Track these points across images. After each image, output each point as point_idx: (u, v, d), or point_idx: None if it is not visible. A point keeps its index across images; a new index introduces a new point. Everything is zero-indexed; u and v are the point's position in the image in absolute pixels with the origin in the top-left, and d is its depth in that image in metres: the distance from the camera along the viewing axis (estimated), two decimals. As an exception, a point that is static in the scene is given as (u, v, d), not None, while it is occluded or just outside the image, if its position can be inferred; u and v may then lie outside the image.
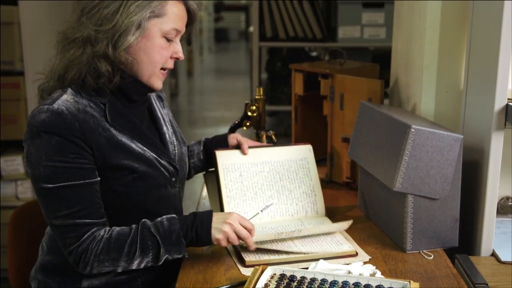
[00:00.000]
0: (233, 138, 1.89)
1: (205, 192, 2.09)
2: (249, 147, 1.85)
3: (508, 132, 1.65)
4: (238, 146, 1.86)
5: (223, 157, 1.82)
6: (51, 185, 1.46)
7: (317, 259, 1.54)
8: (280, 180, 1.83)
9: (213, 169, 1.85)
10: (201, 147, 1.92)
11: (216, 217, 1.53)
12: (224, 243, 1.52)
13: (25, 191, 3.17)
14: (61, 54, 1.54)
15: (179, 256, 1.52)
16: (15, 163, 3.14)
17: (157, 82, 1.60)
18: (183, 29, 1.59)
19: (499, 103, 1.54)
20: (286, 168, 1.85)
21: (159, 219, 1.52)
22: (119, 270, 1.51)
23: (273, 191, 1.81)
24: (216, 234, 1.51)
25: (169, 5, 1.54)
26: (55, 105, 1.48)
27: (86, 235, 1.48)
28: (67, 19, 1.58)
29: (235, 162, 1.82)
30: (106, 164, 1.52)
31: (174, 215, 1.54)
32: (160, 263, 1.51)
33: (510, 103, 1.53)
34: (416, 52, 1.91)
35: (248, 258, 1.56)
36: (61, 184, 1.46)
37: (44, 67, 1.60)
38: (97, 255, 1.47)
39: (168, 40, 1.56)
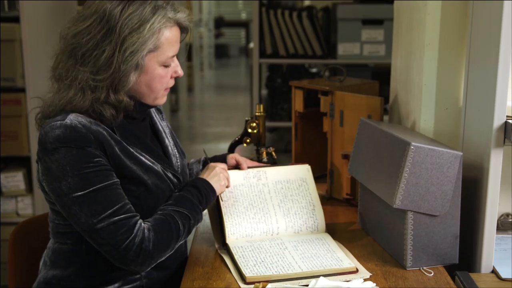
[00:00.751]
0: (231, 158, 1.89)
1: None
2: (248, 167, 1.86)
3: (508, 149, 1.66)
4: (236, 166, 1.88)
5: None
6: (85, 191, 1.46)
7: (318, 276, 1.54)
8: (280, 198, 1.83)
9: None
10: (200, 166, 1.93)
11: (207, 175, 1.70)
12: (226, 185, 1.75)
13: (26, 207, 3.17)
14: (60, 93, 1.53)
15: (199, 222, 1.64)
16: (16, 179, 3.14)
17: (161, 100, 1.64)
18: (177, 49, 1.59)
19: (498, 120, 1.55)
20: (285, 187, 1.85)
21: (170, 201, 1.60)
22: (168, 254, 1.55)
23: (273, 209, 1.81)
24: (219, 182, 1.71)
25: (163, 34, 1.52)
26: (68, 120, 1.48)
27: (136, 226, 1.48)
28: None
29: (235, 183, 1.83)
30: (121, 174, 1.53)
31: (177, 194, 1.63)
32: (189, 235, 1.62)
33: (509, 120, 1.54)
34: (416, 69, 1.92)
35: (249, 274, 1.56)
36: (96, 187, 1.47)
37: (43, 96, 1.59)
38: (155, 243, 1.49)
39: (166, 66, 1.57)
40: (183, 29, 1.61)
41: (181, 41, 1.62)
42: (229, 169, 1.85)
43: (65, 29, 1.54)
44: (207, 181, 1.68)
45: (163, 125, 1.77)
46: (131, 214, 1.49)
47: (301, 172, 1.89)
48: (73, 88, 1.51)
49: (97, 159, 1.48)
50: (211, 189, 1.68)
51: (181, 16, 1.56)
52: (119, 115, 1.54)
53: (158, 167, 1.61)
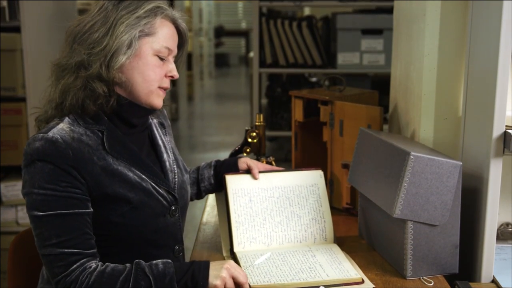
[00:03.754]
0: (243, 162, 1.88)
1: (205, 218, 2.09)
2: (260, 172, 1.84)
3: (507, 159, 1.66)
4: (248, 171, 1.86)
5: (233, 181, 1.82)
6: (41, 213, 1.46)
7: (323, 286, 1.54)
8: (290, 205, 1.82)
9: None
10: (212, 171, 1.93)
11: (214, 265, 1.49)
12: None
13: (26, 216, 3.14)
14: (56, 82, 1.56)
15: None
16: (16, 189, 3.15)
17: (157, 100, 1.60)
18: (174, 49, 1.61)
19: (497, 130, 1.55)
20: (296, 193, 1.84)
21: (154, 261, 1.48)
22: None
23: (282, 217, 1.80)
24: (214, 280, 1.46)
25: (158, 23, 1.57)
26: (50, 134, 1.48)
27: (75, 265, 1.45)
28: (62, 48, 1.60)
29: (245, 187, 1.82)
30: (101, 194, 1.51)
31: (170, 260, 1.49)
32: None
33: (509, 130, 1.55)
34: (415, 79, 1.93)
35: (254, 283, 1.56)
36: (51, 212, 1.46)
37: (42, 98, 1.61)
38: (87, 287, 1.44)
39: (161, 59, 1.58)
40: (180, 35, 1.64)
41: (180, 54, 1.66)
42: (240, 173, 1.85)
43: (71, 24, 1.60)
44: (206, 268, 1.48)
45: (165, 140, 1.74)
46: (76, 251, 1.46)
47: (314, 178, 1.87)
48: (69, 71, 1.53)
49: (66, 183, 1.47)
50: (205, 276, 1.46)
51: (176, 13, 1.62)
52: (111, 95, 1.54)
53: (148, 183, 1.58)
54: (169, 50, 1.59)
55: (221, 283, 1.46)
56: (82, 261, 1.46)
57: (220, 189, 1.93)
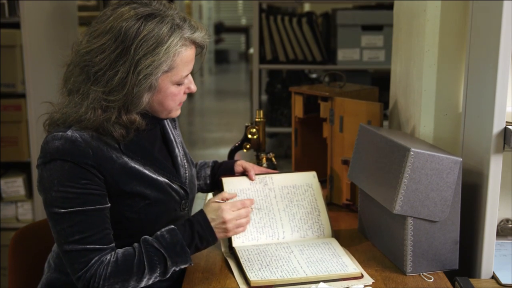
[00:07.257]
0: (238, 165, 1.91)
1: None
2: (255, 174, 1.87)
3: (507, 155, 1.66)
4: (243, 173, 1.89)
5: (229, 183, 1.85)
6: (63, 210, 1.46)
7: (322, 281, 1.54)
8: (286, 204, 1.85)
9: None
10: (209, 171, 1.94)
11: (211, 216, 1.56)
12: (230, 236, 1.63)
13: (25, 212, 3.17)
14: (71, 108, 1.50)
15: (186, 265, 1.54)
16: (16, 185, 3.15)
17: (176, 114, 1.61)
18: (192, 67, 1.56)
19: (498, 126, 1.55)
20: (291, 193, 1.87)
21: (158, 232, 1.54)
22: None
23: (279, 215, 1.82)
24: (220, 234, 1.57)
25: (178, 56, 1.49)
26: (69, 132, 1.48)
27: (93, 260, 1.47)
28: (67, 51, 1.54)
29: (241, 188, 1.84)
30: (119, 191, 1.52)
31: (173, 226, 1.55)
32: (168, 275, 1.53)
33: (509, 126, 1.55)
34: (415, 75, 1.93)
35: (253, 278, 1.56)
36: (72, 209, 1.46)
37: (54, 103, 1.57)
38: (106, 279, 1.46)
39: (179, 84, 1.55)
40: (199, 46, 1.58)
41: (197, 55, 1.58)
42: (237, 175, 1.88)
43: (78, 43, 1.52)
44: (207, 223, 1.56)
45: (175, 134, 1.75)
46: (98, 246, 1.48)
47: (308, 179, 1.91)
48: (84, 106, 1.48)
49: (86, 181, 1.47)
50: (210, 232, 1.56)
51: (198, 35, 1.53)
52: (129, 134, 1.53)
53: (163, 179, 1.60)
54: (188, 74, 1.55)
55: (229, 233, 1.58)
56: (100, 255, 1.48)
57: (214, 190, 1.96)
